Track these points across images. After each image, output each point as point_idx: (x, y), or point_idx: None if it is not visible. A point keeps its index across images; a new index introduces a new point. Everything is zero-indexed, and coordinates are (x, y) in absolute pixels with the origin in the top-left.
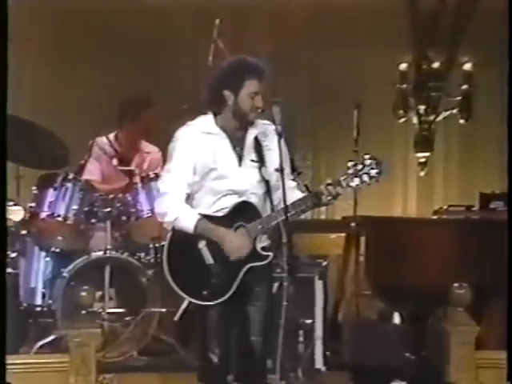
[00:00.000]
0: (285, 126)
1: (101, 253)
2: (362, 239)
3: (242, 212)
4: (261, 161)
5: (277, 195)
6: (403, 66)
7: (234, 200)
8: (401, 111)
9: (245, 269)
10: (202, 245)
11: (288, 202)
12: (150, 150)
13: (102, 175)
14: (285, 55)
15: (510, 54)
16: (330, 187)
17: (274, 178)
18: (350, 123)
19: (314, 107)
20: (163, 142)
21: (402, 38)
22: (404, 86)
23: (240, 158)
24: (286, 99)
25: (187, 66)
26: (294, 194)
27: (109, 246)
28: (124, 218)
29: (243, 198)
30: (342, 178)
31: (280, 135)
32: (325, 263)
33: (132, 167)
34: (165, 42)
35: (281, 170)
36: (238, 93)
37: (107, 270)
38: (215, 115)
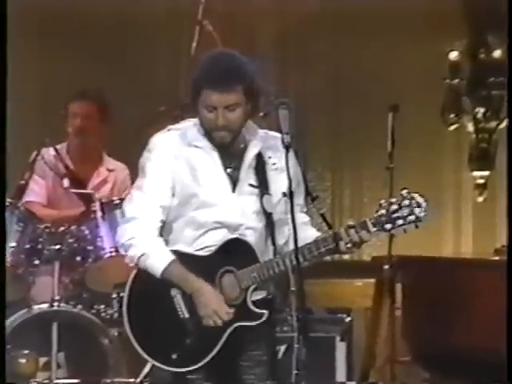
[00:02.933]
0: (296, 135)
1: (46, 305)
2: (399, 287)
3: (233, 252)
4: (263, 186)
5: (281, 233)
6: (454, 56)
7: (223, 236)
8: (451, 115)
9: (230, 329)
10: (175, 292)
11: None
12: (114, 166)
13: (48, 198)
14: (296, 42)
15: (509, 53)
16: (351, 231)
17: (278, 209)
18: (382, 131)
19: (335, 111)
20: (132, 156)
21: (453, 19)
22: (456, 81)
23: (234, 182)
24: (298, 100)
25: (164, 56)
26: (306, 233)
27: (57, 297)
28: (78, 258)
29: (235, 235)
30: (369, 220)
31: (288, 147)
32: (348, 319)
33: (89, 190)
34: (134, 25)
35: (290, 196)
36: (198, 104)
37: (55, 328)
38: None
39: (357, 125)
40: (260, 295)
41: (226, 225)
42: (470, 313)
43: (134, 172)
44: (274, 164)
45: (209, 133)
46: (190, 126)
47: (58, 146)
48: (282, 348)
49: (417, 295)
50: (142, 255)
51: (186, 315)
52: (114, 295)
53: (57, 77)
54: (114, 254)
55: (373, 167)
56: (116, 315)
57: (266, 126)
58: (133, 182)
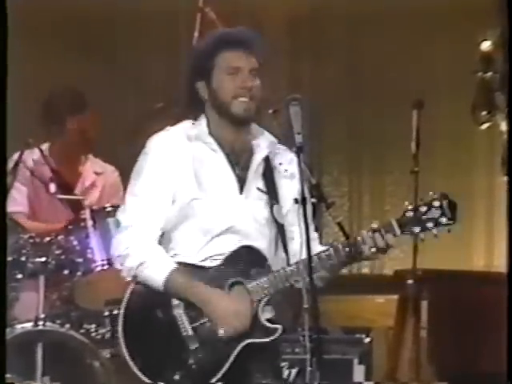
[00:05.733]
0: (308, 135)
1: (30, 324)
2: (424, 304)
3: (243, 262)
4: (272, 194)
5: (293, 246)
6: (487, 46)
7: (232, 243)
8: (483, 113)
9: (240, 346)
10: (177, 309)
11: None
12: (102, 169)
13: (32, 207)
14: (308, 31)
15: (510, 54)
16: (376, 234)
17: (289, 219)
18: (406, 131)
19: (352, 108)
20: (123, 158)
21: (485, 4)
22: (488, 74)
23: (242, 183)
24: (311, 96)
25: (160, 48)
26: (315, 251)
27: (42, 315)
28: (66, 271)
29: (246, 242)
30: (394, 222)
31: (300, 149)
32: (367, 340)
33: (80, 196)
34: (128, 13)
35: (302, 202)
36: (211, 75)
37: (39, 349)
38: (208, 120)
39: (377, 124)
40: (271, 312)
41: (235, 230)
42: (504, 333)
43: (126, 175)
44: (286, 170)
45: (227, 105)
46: (190, 125)
47: (42, 146)
48: (294, 371)
49: (444, 314)
50: (140, 264)
51: (190, 333)
52: (106, 313)
53: (49, 75)
54: (105, 267)
55: (395, 171)
56: (108, 335)
57: (276, 125)
58: (124, 185)
